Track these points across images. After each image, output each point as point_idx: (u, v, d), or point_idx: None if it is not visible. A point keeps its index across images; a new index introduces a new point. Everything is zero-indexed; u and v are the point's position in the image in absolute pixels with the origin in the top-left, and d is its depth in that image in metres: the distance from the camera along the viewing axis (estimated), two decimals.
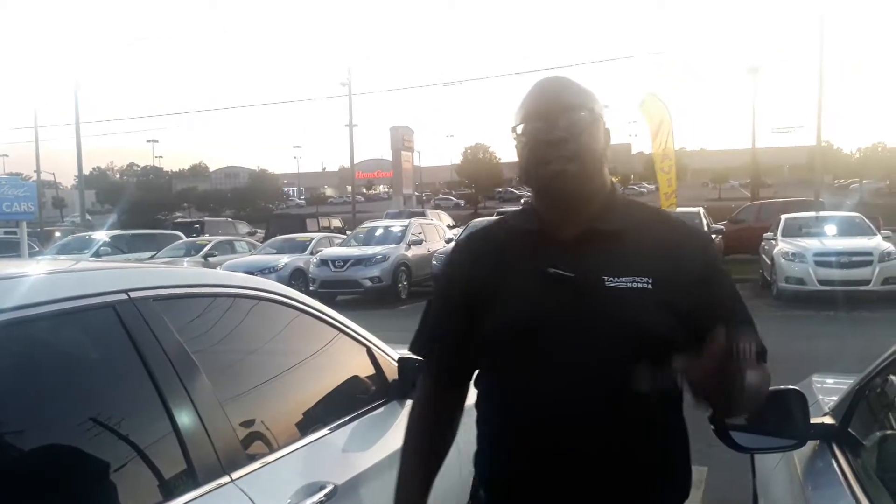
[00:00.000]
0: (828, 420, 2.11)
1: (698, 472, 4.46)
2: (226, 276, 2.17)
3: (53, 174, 73.80)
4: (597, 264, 1.33)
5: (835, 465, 1.91)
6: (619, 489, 1.33)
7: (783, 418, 1.94)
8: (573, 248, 1.36)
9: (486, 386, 1.47)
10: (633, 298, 1.30)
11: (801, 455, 2.14)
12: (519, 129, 1.40)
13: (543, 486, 1.34)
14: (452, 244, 1.89)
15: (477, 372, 1.51)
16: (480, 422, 1.48)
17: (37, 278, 1.60)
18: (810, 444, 2.08)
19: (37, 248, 19.76)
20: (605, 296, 1.31)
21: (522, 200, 1.44)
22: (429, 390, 1.57)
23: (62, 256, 18.13)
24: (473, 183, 68.45)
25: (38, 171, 39.84)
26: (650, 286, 1.31)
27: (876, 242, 11.95)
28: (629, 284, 1.31)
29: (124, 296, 1.64)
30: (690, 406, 1.31)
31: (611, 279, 1.32)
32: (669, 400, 1.35)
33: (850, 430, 2.01)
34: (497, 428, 1.43)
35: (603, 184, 1.41)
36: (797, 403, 1.92)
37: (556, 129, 1.33)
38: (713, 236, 13.47)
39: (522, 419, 1.36)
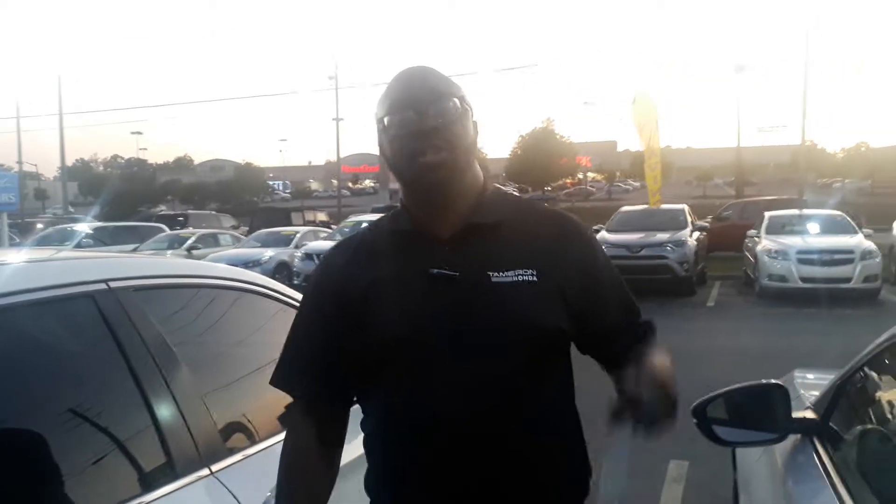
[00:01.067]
0: (809, 414, 2.12)
1: (679, 467, 4.49)
2: (209, 267, 2.15)
3: (36, 165, 73.11)
4: (480, 260, 1.28)
5: (816, 459, 1.92)
6: (519, 499, 1.28)
7: (765, 412, 1.95)
8: (453, 245, 1.30)
9: (370, 405, 1.35)
10: (520, 292, 1.26)
11: (782, 449, 2.15)
12: (386, 121, 1.30)
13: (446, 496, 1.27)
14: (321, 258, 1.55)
15: (357, 393, 1.38)
16: (367, 444, 1.37)
17: (15, 267, 1.58)
18: (791, 439, 2.09)
19: (17, 240, 19.53)
20: (492, 292, 1.26)
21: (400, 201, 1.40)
22: (300, 428, 1.35)
23: (42, 248, 17.91)
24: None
25: (19, 162, 39.42)
26: (535, 278, 1.27)
27: (858, 241, 12.06)
28: (515, 278, 1.27)
29: (104, 286, 1.62)
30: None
31: (496, 274, 1.27)
32: (564, 393, 1.37)
33: (831, 424, 2.03)
34: (385, 449, 1.34)
35: (475, 177, 1.35)
36: (779, 398, 1.93)
37: (428, 119, 1.25)
38: (697, 233, 13.56)
39: (413, 437, 1.27)
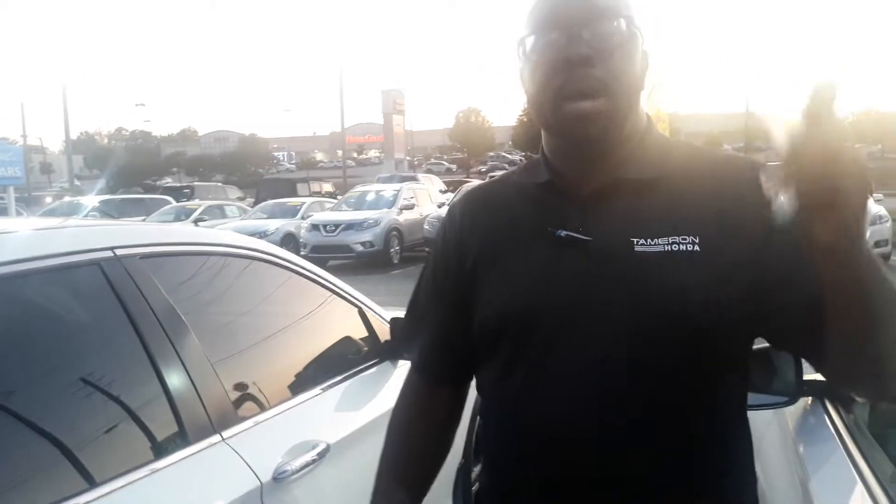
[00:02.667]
0: (820, 377, 2.11)
1: None
2: (216, 234, 2.14)
3: (41, 139, 73.23)
4: (624, 223, 1.01)
5: (827, 421, 1.92)
6: None
7: (775, 375, 1.94)
8: (594, 204, 1.03)
9: (485, 388, 1.15)
10: (674, 265, 0.97)
11: (793, 412, 2.15)
12: (528, 44, 1.01)
13: None
14: (446, 208, 1.89)
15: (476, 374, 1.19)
16: (482, 433, 1.20)
17: (21, 234, 1.57)
18: (802, 401, 2.08)
19: (24, 214, 19.59)
20: (636, 264, 0.98)
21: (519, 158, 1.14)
22: (415, 388, 1.23)
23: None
24: (465, 147, 68.18)
25: (24, 136, 39.39)
26: (698, 248, 0.97)
27: (868, 205, 11.96)
28: (668, 247, 0.98)
29: (110, 253, 1.61)
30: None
31: (643, 241, 0.99)
32: (729, 405, 1.04)
33: None
34: (495, 446, 1.14)
35: (637, 121, 1.06)
36: (790, 360, 1.92)
37: (582, 44, 0.96)
38: None
39: (525, 437, 1.05)
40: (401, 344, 1.30)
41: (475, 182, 17.05)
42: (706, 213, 0.99)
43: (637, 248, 0.99)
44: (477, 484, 1.22)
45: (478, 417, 1.22)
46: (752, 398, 1.98)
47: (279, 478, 1.66)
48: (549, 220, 1.05)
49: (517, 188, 1.13)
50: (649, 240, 0.99)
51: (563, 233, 1.03)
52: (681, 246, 0.98)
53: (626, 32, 0.99)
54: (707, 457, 1.01)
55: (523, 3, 1.04)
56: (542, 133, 1.10)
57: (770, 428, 2.41)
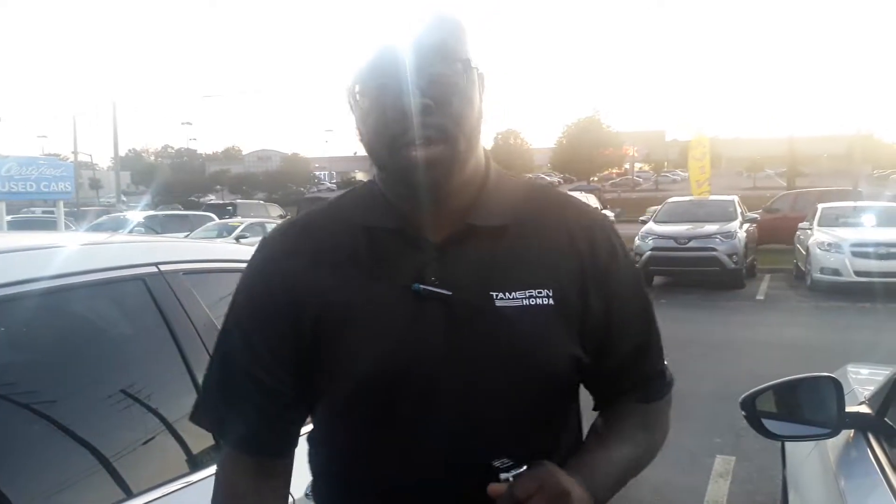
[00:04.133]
0: (863, 409, 2.06)
1: (725, 462, 4.42)
2: None
3: (90, 155, 75.31)
4: (481, 275, 0.97)
5: (870, 455, 1.87)
6: None
7: (817, 406, 1.90)
8: (448, 253, 0.97)
9: (326, 454, 1.07)
10: (532, 320, 0.96)
11: (834, 445, 2.10)
12: (357, 90, 0.94)
13: None
14: (255, 248, 1.08)
15: (310, 432, 1.10)
16: (317, 490, 1.11)
17: (70, 250, 1.62)
18: (844, 434, 2.03)
19: (73, 227, 20.12)
20: (497, 319, 0.95)
21: (372, 177, 1.03)
22: (244, 469, 1.03)
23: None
24: (504, 168, 68.03)
25: (75, 153, 40.50)
26: (552, 301, 0.97)
27: None
28: (526, 302, 0.96)
29: (154, 269, 1.65)
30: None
31: (502, 295, 0.96)
32: (575, 448, 1.07)
33: (886, 419, 1.96)
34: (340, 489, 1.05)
35: (477, 163, 1.01)
36: (831, 391, 1.88)
37: (417, 93, 0.89)
38: (747, 224, 13.26)
39: (375, 497, 1.01)
40: (211, 426, 1.08)
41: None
42: (555, 265, 0.99)
43: (497, 303, 0.96)
44: None
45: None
46: (793, 429, 1.96)
47: (311, 494, 1.67)
48: (403, 270, 0.97)
49: (358, 230, 1.01)
50: (508, 293, 0.97)
51: (422, 287, 0.96)
52: (537, 300, 0.97)
53: (464, 76, 0.93)
54: None
55: (352, 45, 0.96)
56: (378, 171, 1.02)
57: (810, 460, 2.35)
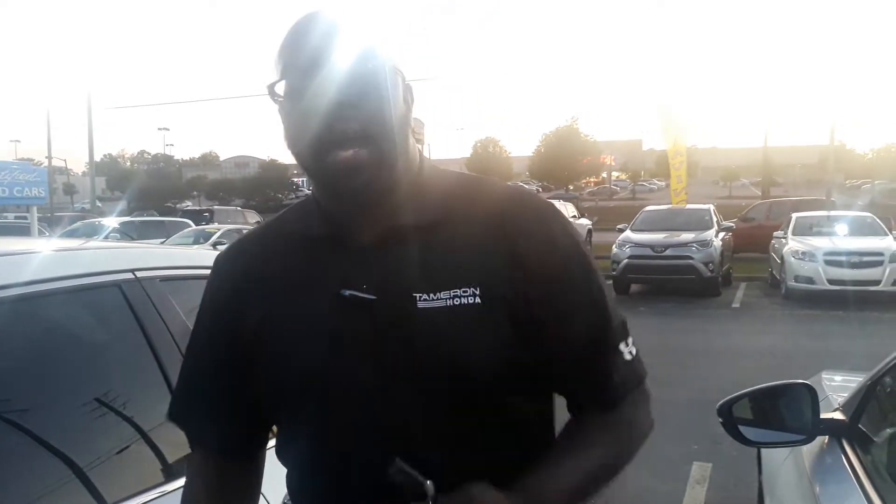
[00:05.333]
0: (838, 416, 2.09)
1: (702, 469, 4.45)
2: None
3: (65, 160, 74.32)
4: (405, 276, 0.94)
5: (844, 461, 1.89)
6: None
7: (792, 413, 1.92)
8: (374, 256, 0.96)
9: (282, 453, 1.07)
10: (457, 322, 0.92)
11: (809, 450, 2.12)
12: (279, 89, 0.94)
13: None
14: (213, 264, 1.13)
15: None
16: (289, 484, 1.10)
17: (44, 256, 1.60)
18: (819, 440, 2.06)
19: (46, 234, 19.85)
20: (419, 323, 0.92)
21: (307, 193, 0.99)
22: (203, 469, 1.08)
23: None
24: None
25: (49, 157, 39.99)
26: (479, 300, 0.92)
27: (887, 243, 11.86)
28: (450, 301, 0.92)
29: (130, 275, 1.63)
30: None
31: (425, 297, 0.93)
32: (531, 454, 0.97)
33: (860, 426, 1.99)
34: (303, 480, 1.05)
35: (409, 163, 0.99)
36: (806, 398, 1.90)
37: (336, 94, 0.89)
38: (723, 233, 13.40)
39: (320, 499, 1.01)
40: (177, 421, 1.12)
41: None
42: (484, 259, 0.94)
43: (420, 304, 0.93)
44: None
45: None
46: (768, 436, 1.98)
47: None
48: (332, 276, 0.96)
49: (293, 240, 1.02)
50: (432, 294, 0.93)
51: (348, 292, 0.94)
52: (462, 299, 0.92)
53: (384, 76, 0.92)
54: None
55: (276, 44, 0.95)
56: (308, 177, 1.01)
57: (786, 466, 2.37)
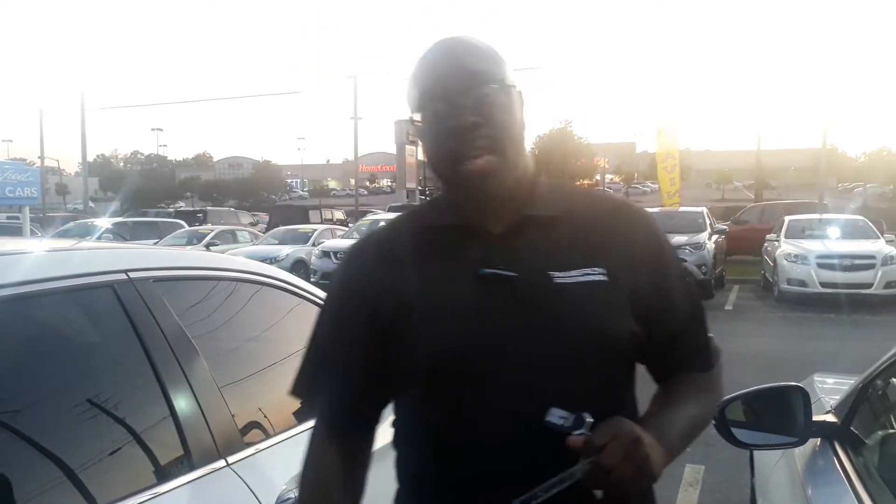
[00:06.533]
0: (830, 418, 2.09)
1: (695, 471, 4.46)
2: (229, 260, 2.15)
3: (57, 160, 73.97)
4: (539, 258, 1.10)
5: (836, 463, 1.90)
6: None
7: (785, 415, 1.93)
8: (508, 241, 1.11)
9: (411, 422, 1.18)
10: (589, 294, 1.08)
11: (801, 453, 2.13)
12: (417, 119, 1.11)
13: None
14: (345, 251, 1.44)
15: (394, 408, 1.22)
16: (402, 463, 1.21)
17: (37, 256, 1.59)
18: (811, 442, 2.06)
19: (39, 234, 19.76)
20: (556, 295, 1.07)
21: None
22: (325, 444, 1.19)
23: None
24: None
25: (41, 157, 39.79)
26: (606, 277, 1.09)
27: (879, 246, 11.92)
28: (582, 278, 1.08)
29: (123, 276, 1.62)
30: None
31: (559, 275, 1.08)
32: (634, 415, 1.15)
33: (852, 428, 2.00)
34: (427, 472, 1.15)
35: (526, 166, 1.15)
36: (799, 400, 1.91)
37: (465, 112, 1.05)
38: (716, 236, 13.44)
39: (459, 463, 1.09)
40: (304, 394, 1.26)
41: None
42: (610, 248, 1.12)
43: (556, 280, 1.08)
44: None
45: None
46: (760, 438, 1.98)
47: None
48: (470, 258, 1.11)
49: (428, 230, 1.17)
50: (565, 272, 1.09)
51: (488, 271, 1.09)
52: (592, 276, 1.09)
53: (502, 94, 1.09)
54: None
55: (410, 76, 1.13)
56: (442, 184, 1.17)
57: (778, 468, 2.38)
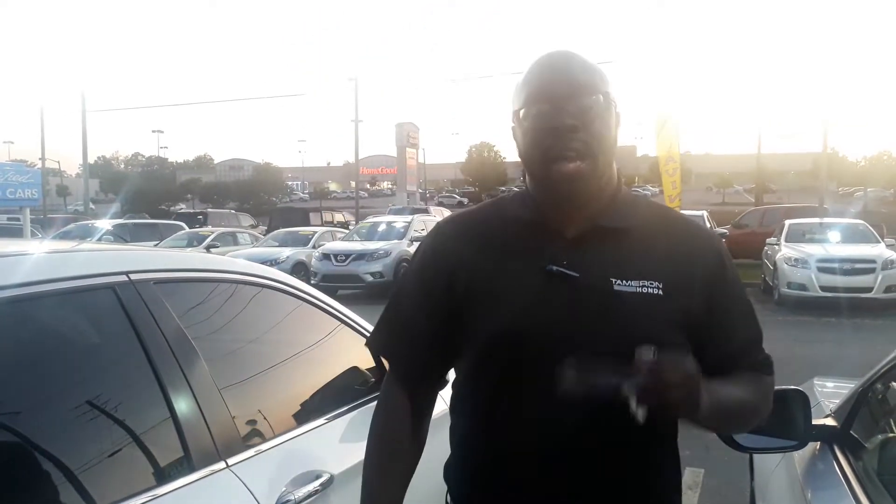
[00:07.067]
0: (829, 422, 2.10)
1: (694, 474, 4.45)
2: (229, 262, 2.15)
3: (58, 162, 73.90)
4: (604, 265, 1.19)
5: (836, 466, 1.90)
6: None
7: (784, 419, 1.93)
8: (577, 245, 1.21)
9: (465, 392, 1.31)
10: (642, 305, 1.17)
11: (801, 456, 2.13)
12: (521, 113, 1.20)
13: None
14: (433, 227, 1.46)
15: (454, 374, 1.36)
16: (455, 431, 1.35)
17: (37, 257, 1.59)
18: (811, 446, 2.06)
19: (39, 235, 19.78)
20: (613, 300, 1.17)
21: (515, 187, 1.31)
22: (395, 394, 1.35)
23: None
24: (477, 181, 68.43)
25: (42, 159, 39.83)
26: (661, 291, 1.18)
27: (879, 250, 11.92)
28: (639, 289, 1.18)
29: (124, 277, 1.63)
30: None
31: (619, 282, 1.18)
32: (669, 426, 1.26)
33: (851, 432, 2.00)
34: (474, 442, 1.29)
35: (610, 178, 1.25)
36: (799, 404, 1.91)
37: (566, 115, 1.14)
38: None
39: (503, 438, 1.23)
40: (379, 348, 1.42)
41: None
42: (667, 264, 1.21)
43: (616, 287, 1.18)
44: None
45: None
46: (760, 441, 1.98)
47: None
48: (540, 255, 1.21)
49: (508, 222, 1.28)
50: (625, 281, 1.18)
51: (554, 268, 1.19)
52: (648, 289, 1.18)
53: (604, 105, 1.18)
54: (644, 450, 1.21)
55: (521, 77, 1.22)
56: (529, 179, 1.28)
57: (778, 472, 2.38)
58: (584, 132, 1.16)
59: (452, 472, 1.35)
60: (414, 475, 1.36)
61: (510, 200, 1.33)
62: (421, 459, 1.38)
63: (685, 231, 1.27)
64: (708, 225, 13.80)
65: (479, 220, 1.34)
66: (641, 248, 1.22)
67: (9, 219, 22.42)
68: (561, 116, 1.15)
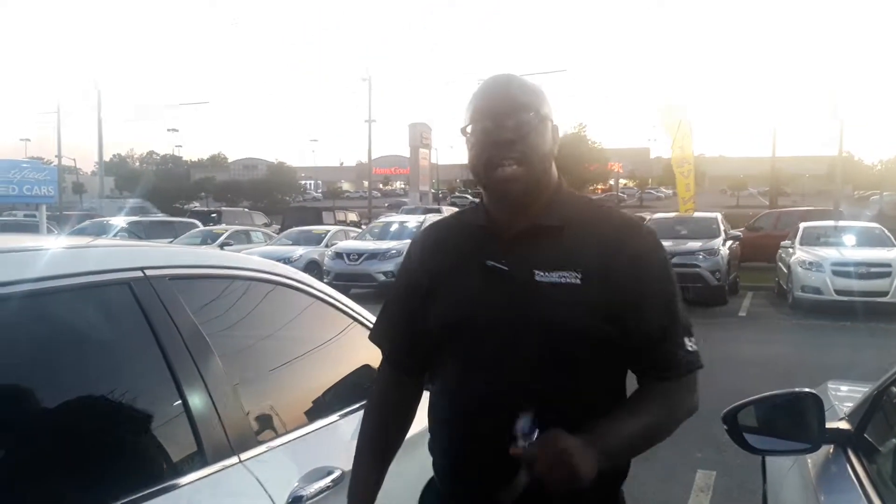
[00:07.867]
0: (843, 425, 2.08)
1: (707, 477, 4.43)
2: (244, 259, 2.16)
3: (74, 160, 74.54)
4: (529, 258, 1.34)
5: (850, 470, 1.88)
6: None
7: (798, 421, 1.92)
8: (512, 243, 1.37)
9: (435, 374, 1.50)
10: (561, 293, 1.31)
11: (814, 459, 2.11)
12: (468, 129, 1.38)
13: (478, 475, 1.38)
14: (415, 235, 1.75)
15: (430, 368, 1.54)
16: (430, 409, 1.52)
17: (55, 252, 1.61)
18: (824, 449, 2.05)
19: (55, 232, 19.94)
20: (534, 290, 1.32)
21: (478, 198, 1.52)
22: (386, 379, 1.57)
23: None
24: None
25: (59, 157, 40.13)
26: (579, 281, 1.31)
27: (895, 254, 11.81)
28: (558, 279, 1.31)
29: (140, 273, 1.64)
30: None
31: (541, 273, 1.32)
32: (605, 400, 1.36)
33: (866, 435, 1.98)
34: (438, 418, 1.48)
35: (549, 182, 1.42)
36: (812, 407, 1.90)
37: (504, 130, 1.33)
38: (730, 242, 13.36)
39: (453, 412, 1.42)
40: (376, 340, 1.59)
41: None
42: (589, 255, 1.33)
43: (537, 278, 1.33)
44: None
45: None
46: (773, 444, 1.98)
47: (294, 503, 1.67)
48: (482, 253, 1.39)
49: (463, 227, 1.48)
50: (545, 272, 1.33)
51: (490, 263, 1.37)
52: (566, 279, 1.31)
53: (537, 120, 1.35)
54: (578, 424, 1.26)
55: (468, 97, 1.40)
56: (482, 190, 1.44)
57: (791, 475, 2.37)
58: (521, 143, 1.33)
59: (430, 443, 1.52)
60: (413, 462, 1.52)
61: (470, 210, 1.52)
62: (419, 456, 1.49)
63: (617, 226, 1.38)
64: (722, 227, 13.72)
65: (442, 227, 1.54)
66: (571, 242, 1.35)
67: (25, 215, 22.64)
68: (500, 131, 1.33)
